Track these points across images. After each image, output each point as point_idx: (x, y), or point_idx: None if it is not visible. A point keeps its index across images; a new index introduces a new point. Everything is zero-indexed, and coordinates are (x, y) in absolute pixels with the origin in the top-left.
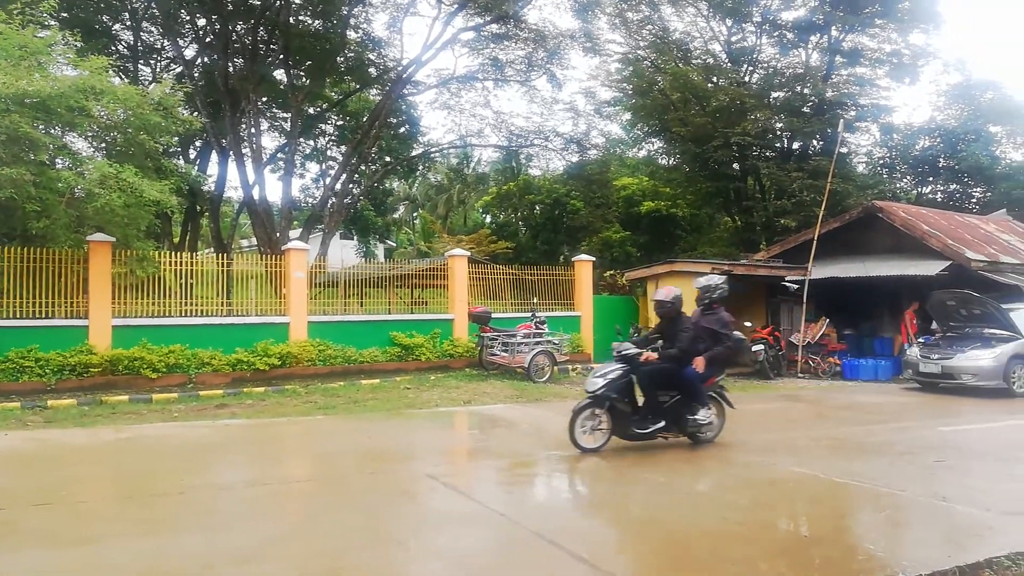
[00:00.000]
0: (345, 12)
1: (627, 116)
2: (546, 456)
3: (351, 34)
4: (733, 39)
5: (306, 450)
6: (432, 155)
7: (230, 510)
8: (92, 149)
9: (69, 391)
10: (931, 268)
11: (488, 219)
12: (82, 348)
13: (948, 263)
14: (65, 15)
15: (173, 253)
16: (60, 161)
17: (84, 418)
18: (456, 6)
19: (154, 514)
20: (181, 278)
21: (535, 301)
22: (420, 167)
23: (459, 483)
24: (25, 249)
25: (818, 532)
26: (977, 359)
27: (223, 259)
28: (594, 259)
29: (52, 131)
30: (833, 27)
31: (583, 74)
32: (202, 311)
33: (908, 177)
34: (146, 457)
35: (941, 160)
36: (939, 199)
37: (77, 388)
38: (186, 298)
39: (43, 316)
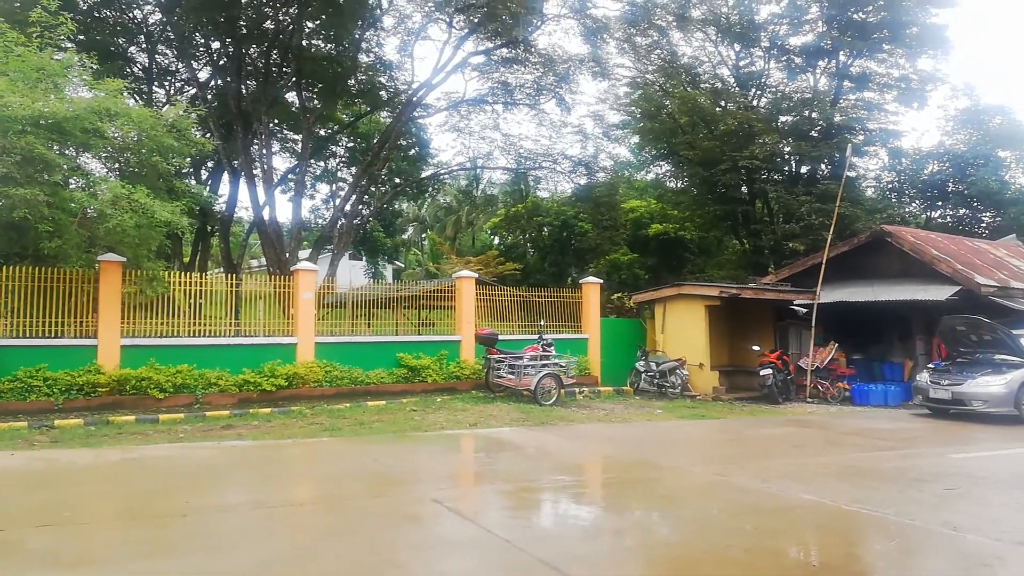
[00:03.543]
0: (357, 36)
1: (635, 139)
2: (552, 481)
3: (363, 58)
4: (741, 63)
5: (311, 472)
6: (441, 177)
7: (233, 532)
8: (105, 170)
9: (76, 411)
10: (941, 293)
11: (496, 241)
12: (90, 368)
13: (958, 288)
14: (82, 38)
15: (183, 273)
16: (73, 182)
17: (90, 438)
18: (467, 31)
19: (157, 535)
20: (190, 298)
21: (542, 323)
22: (429, 189)
23: (464, 508)
24: (36, 268)
25: (827, 560)
26: (988, 385)
27: (232, 279)
28: (602, 281)
29: (66, 152)
30: (841, 52)
31: (592, 98)
32: (210, 331)
33: (917, 201)
34: (151, 478)
35: (950, 185)
36: (948, 224)
37: (84, 408)
38: (195, 318)
39: (52, 335)
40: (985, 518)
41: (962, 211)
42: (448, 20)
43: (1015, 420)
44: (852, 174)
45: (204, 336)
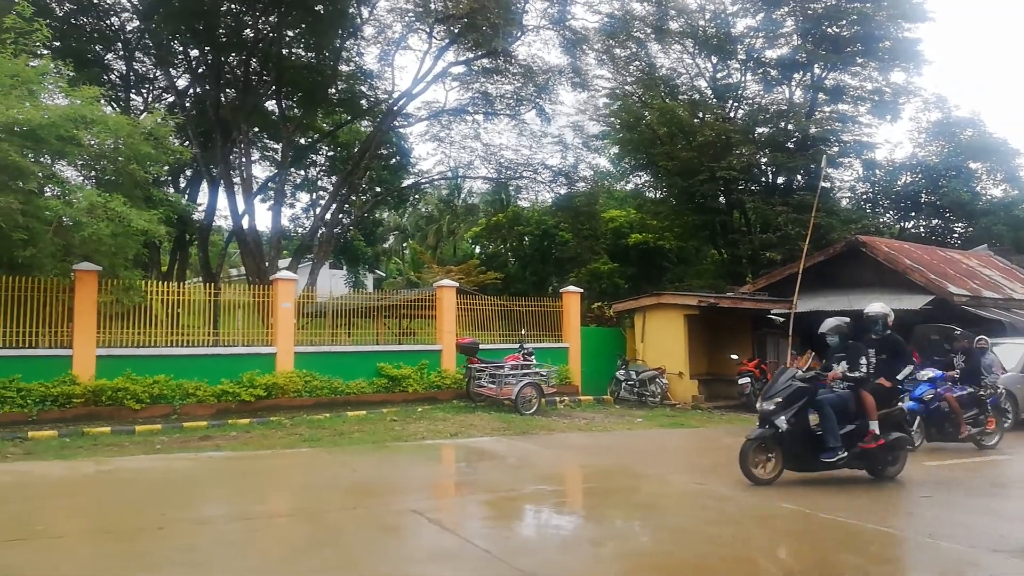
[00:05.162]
0: (337, 45)
1: (615, 150)
2: (532, 490)
3: (343, 67)
4: (718, 75)
5: (289, 484)
6: (422, 186)
7: (210, 546)
8: (81, 178)
9: (51, 422)
10: (914, 302)
11: (477, 250)
12: (65, 378)
13: (931, 297)
14: (58, 44)
15: (161, 282)
16: (48, 190)
17: (65, 450)
18: (447, 41)
19: (132, 549)
20: (168, 308)
21: (523, 332)
22: (411, 198)
23: (444, 519)
24: (10, 278)
25: (803, 569)
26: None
27: (211, 288)
28: (582, 290)
29: (41, 159)
30: (816, 65)
31: (571, 108)
32: (188, 341)
33: (891, 212)
34: (126, 490)
35: (923, 195)
36: (922, 234)
37: (59, 419)
38: (173, 328)
39: (26, 346)
40: (959, 525)
41: (935, 222)
42: (428, 30)
43: None
44: (827, 185)
45: (182, 346)
